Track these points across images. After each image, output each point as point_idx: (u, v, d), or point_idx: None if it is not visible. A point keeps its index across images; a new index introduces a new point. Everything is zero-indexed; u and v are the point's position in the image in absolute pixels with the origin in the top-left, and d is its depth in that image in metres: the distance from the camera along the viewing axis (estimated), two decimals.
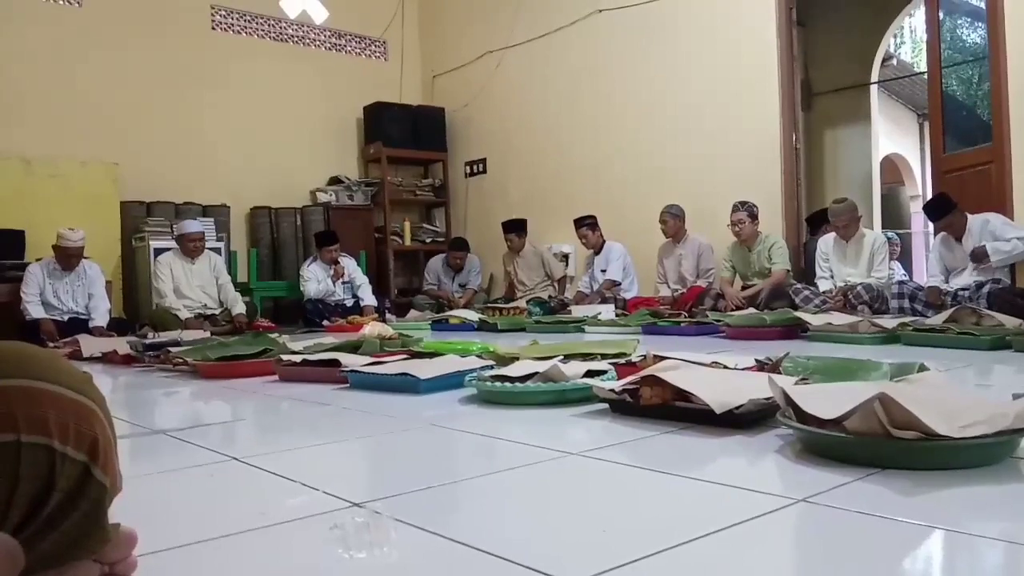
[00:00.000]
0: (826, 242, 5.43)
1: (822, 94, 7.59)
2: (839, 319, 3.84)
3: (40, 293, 5.63)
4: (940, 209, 4.82)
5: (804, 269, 5.89)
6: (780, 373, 1.88)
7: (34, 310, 5.53)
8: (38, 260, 5.76)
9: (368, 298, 6.90)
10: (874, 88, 7.70)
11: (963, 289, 4.59)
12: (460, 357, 2.62)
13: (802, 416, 1.31)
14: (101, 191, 6.56)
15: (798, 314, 4.04)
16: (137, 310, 6.48)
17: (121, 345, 3.87)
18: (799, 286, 5.36)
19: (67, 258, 5.62)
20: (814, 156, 7.48)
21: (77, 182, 6.43)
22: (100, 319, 5.70)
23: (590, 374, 2.04)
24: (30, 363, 0.56)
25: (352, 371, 2.48)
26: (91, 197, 6.45)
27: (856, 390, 1.33)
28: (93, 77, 6.73)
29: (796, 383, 1.60)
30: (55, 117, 6.50)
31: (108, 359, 3.76)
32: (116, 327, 5.67)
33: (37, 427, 0.55)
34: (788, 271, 5.57)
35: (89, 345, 4.16)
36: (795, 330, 3.78)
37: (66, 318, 5.63)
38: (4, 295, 5.68)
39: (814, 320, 3.81)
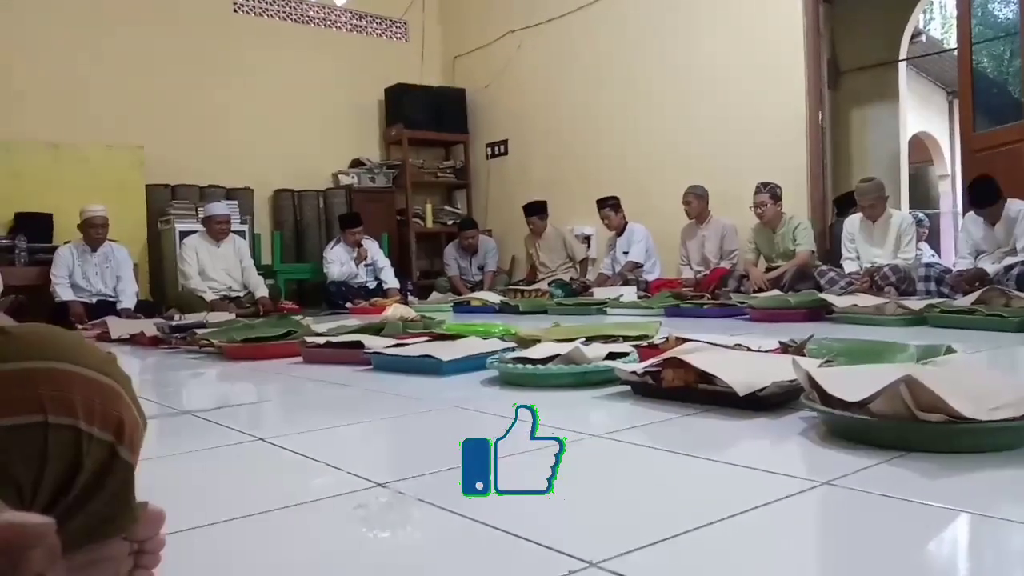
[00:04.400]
0: (852, 222, 5.36)
1: (849, 72, 7.45)
2: (865, 301, 3.80)
3: (69, 275, 5.72)
4: (989, 196, 4.58)
5: (830, 251, 5.82)
6: (804, 355, 1.86)
7: (63, 292, 5.62)
8: (66, 243, 5.85)
9: (390, 280, 6.93)
10: (903, 65, 7.54)
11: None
12: (482, 339, 2.63)
13: (826, 399, 1.30)
14: (126, 175, 6.62)
15: (823, 296, 4.00)
16: (163, 292, 6.56)
17: (148, 327, 3.92)
18: (824, 267, 5.30)
19: (93, 229, 5.68)
20: (840, 135, 7.36)
21: (103, 166, 6.50)
22: (128, 301, 5.79)
23: (612, 356, 2.03)
24: (55, 345, 0.57)
25: (375, 353, 2.50)
26: (117, 181, 6.51)
27: (882, 372, 1.32)
28: (117, 61, 6.78)
29: (820, 365, 1.58)
30: (81, 102, 6.56)
31: (136, 341, 3.82)
32: (143, 309, 5.75)
33: (63, 408, 0.55)
34: (813, 252, 5.51)
35: (117, 327, 4.22)
36: (820, 312, 3.75)
37: (94, 300, 5.72)
38: (33, 278, 5.78)
39: (839, 302, 3.77)
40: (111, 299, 5.78)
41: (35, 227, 6.06)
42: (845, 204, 5.89)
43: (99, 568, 0.59)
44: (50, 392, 0.55)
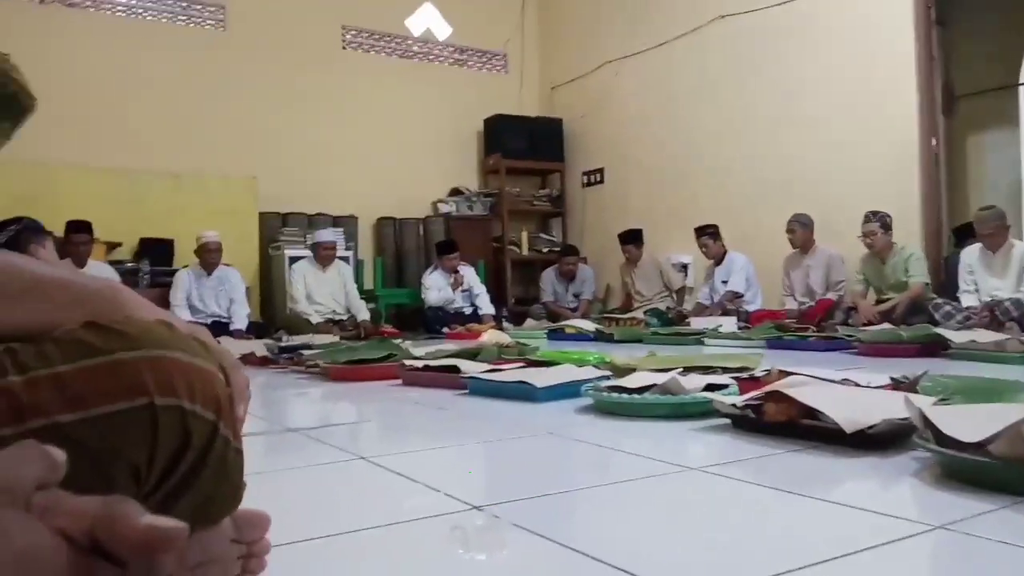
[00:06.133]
0: (971, 253, 5.07)
1: (965, 97, 7.10)
2: (984, 336, 3.58)
3: (187, 298, 6.08)
4: None
5: (945, 283, 5.51)
6: (917, 393, 1.77)
7: (182, 313, 5.96)
8: (185, 267, 6.23)
9: (486, 307, 7.02)
10: (1022, 90, 7.13)
11: None
12: (577, 367, 2.62)
13: (941, 439, 1.24)
14: (241, 203, 7.01)
15: (938, 330, 3.79)
16: (273, 314, 6.86)
17: (258, 348, 4.11)
18: (939, 300, 5.02)
19: (208, 254, 6.05)
20: (956, 163, 7.00)
21: (220, 195, 6.90)
22: (240, 323, 6.09)
23: (710, 388, 2.00)
24: (156, 336, 0.62)
25: (471, 377, 2.53)
26: (232, 208, 6.90)
27: (1002, 412, 1.24)
28: (235, 96, 7.21)
29: (935, 403, 1.50)
30: (200, 134, 7.00)
31: (246, 361, 4.00)
32: (254, 330, 6.04)
33: (167, 390, 0.60)
34: (927, 284, 5.23)
35: (230, 347, 4.43)
36: (935, 347, 3.55)
37: (209, 321, 6.04)
38: (154, 300, 6.07)
39: (956, 337, 3.57)
40: (225, 320, 6.10)
41: (158, 252, 6.49)
42: (964, 234, 5.58)
43: (209, 569, 0.63)
44: (154, 377, 0.60)
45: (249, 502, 0.68)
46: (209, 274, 6.14)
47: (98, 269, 5.57)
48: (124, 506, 0.37)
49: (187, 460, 0.62)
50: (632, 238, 6.98)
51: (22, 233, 3.57)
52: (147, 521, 0.37)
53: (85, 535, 0.36)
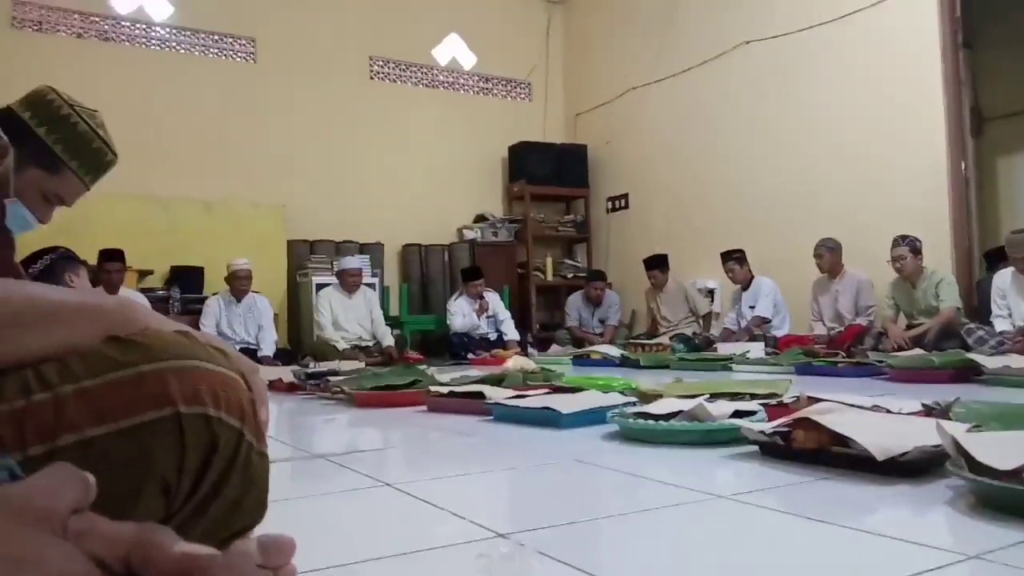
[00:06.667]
0: (1003, 277, 4.98)
1: (994, 119, 7.03)
2: (1018, 361, 3.51)
3: (216, 324, 6.15)
4: None
5: (977, 308, 5.42)
6: (950, 419, 1.74)
7: None
8: (215, 294, 6.31)
9: (511, 333, 7.03)
10: None
11: None
12: (602, 393, 2.61)
13: (975, 466, 1.21)
14: (270, 231, 7.11)
15: (971, 356, 3.73)
16: (300, 341, 6.92)
17: (286, 374, 4.14)
18: (972, 325, 4.94)
19: (238, 281, 6.14)
20: (986, 186, 6.91)
21: (249, 223, 7.01)
22: (268, 349, 6.15)
23: (738, 414, 1.98)
24: (179, 346, 0.63)
25: (496, 403, 2.53)
26: (261, 237, 7.00)
27: None
28: (264, 126, 7.35)
29: (968, 430, 1.48)
30: (231, 164, 7.13)
31: (274, 387, 4.03)
32: (282, 357, 6.10)
33: (192, 398, 0.61)
34: (959, 309, 5.15)
35: None
36: (968, 373, 3.48)
37: (238, 348, 6.09)
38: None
39: (989, 362, 3.50)
40: (253, 347, 6.16)
41: (188, 279, 6.60)
42: (995, 258, 5.50)
43: None
44: (179, 386, 0.61)
45: (275, 528, 0.68)
46: (239, 301, 6.22)
47: (131, 296, 5.67)
48: (159, 533, 0.38)
49: (215, 467, 0.63)
50: (657, 263, 6.96)
51: (57, 262, 3.66)
52: (182, 549, 0.38)
53: (120, 561, 0.37)
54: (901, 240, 5.24)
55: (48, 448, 0.57)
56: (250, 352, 6.04)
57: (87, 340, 0.62)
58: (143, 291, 6.10)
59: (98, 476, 0.40)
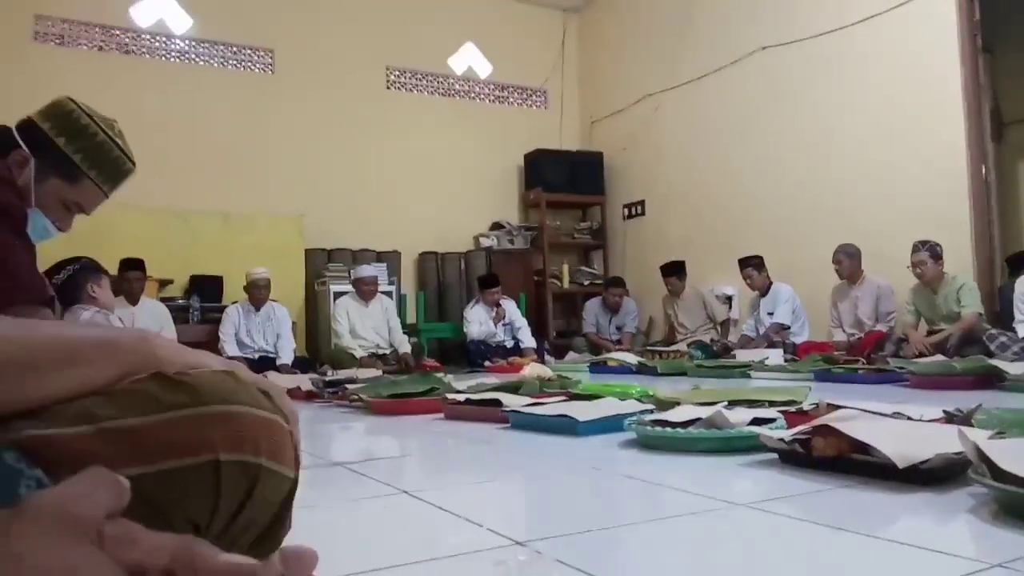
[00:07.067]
0: None
1: (1015, 123, 6.96)
2: None
3: (235, 333, 6.20)
4: None
5: (999, 313, 5.35)
6: (972, 426, 1.72)
7: (230, 348, 6.09)
8: (234, 303, 6.36)
9: (527, 340, 7.02)
10: None
11: None
12: (619, 400, 2.60)
13: (998, 474, 1.20)
14: (288, 240, 7.16)
15: (993, 362, 3.68)
16: (318, 349, 6.96)
17: (304, 382, 4.17)
18: (994, 331, 4.87)
19: (257, 290, 6.18)
20: (1007, 190, 6.84)
21: (267, 233, 7.06)
22: (286, 357, 6.19)
23: (757, 422, 1.96)
24: (220, 388, 0.63)
25: (513, 411, 2.53)
26: (279, 246, 7.05)
27: None
28: (282, 136, 7.41)
29: (991, 437, 1.46)
30: (249, 175, 7.20)
31: (292, 395, 4.03)
32: (300, 365, 6.13)
33: (233, 446, 0.61)
34: (980, 315, 5.09)
35: (276, 381, 4.50)
36: (990, 379, 3.44)
37: (256, 356, 6.15)
38: (204, 335, 6.30)
39: (1012, 368, 3.45)
40: (271, 355, 6.20)
41: (207, 289, 6.65)
42: (1018, 263, 5.44)
43: None
44: (222, 432, 0.61)
45: (293, 534, 0.69)
46: (257, 310, 6.26)
47: (151, 305, 5.73)
48: (200, 544, 0.38)
49: (251, 509, 0.63)
50: (674, 270, 6.94)
51: (79, 273, 3.70)
52: (225, 559, 0.38)
53: (160, 571, 0.37)
54: (921, 245, 5.19)
55: None
56: (268, 360, 6.08)
57: (105, 381, 0.61)
58: (163, 300, 6.16)
59: (127, 511, 0.39)
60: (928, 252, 5.16)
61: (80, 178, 1.54)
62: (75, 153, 1.53)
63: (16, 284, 1.34)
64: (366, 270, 6.71)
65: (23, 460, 0.55)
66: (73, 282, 3.67)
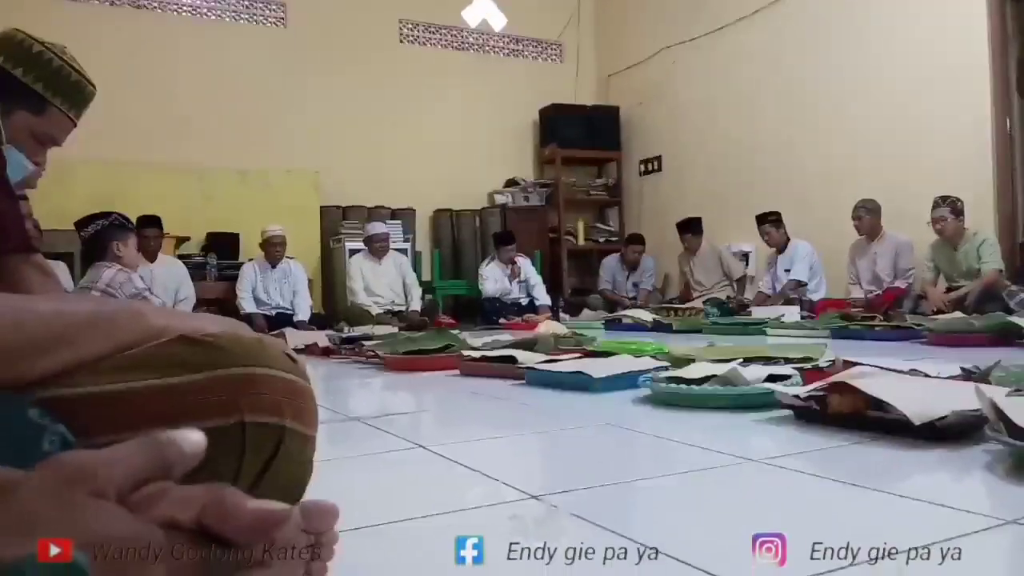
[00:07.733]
0: None
1: None
2: None
3: (252, 290, 6.25)
4: None
5: (1020, 270, 5.29)
6: (990, 383, 1.71)
7: (247, 305, 6.14)
8: (250, 260, 6.40)
9: (542, 297, 7.03)
10: None
11: None
12: (634, 357, 2.61)
13: (1015, 431, 1.19)
14: (304, 198, 7.16)
15: (1013, 319, 3.64)
16: (335, 306, 7.00)
17: (321, 338, 4.20)
18: (1014, 288, 4.82)
19: (272, 248, 6.22)
20: None
21: (283, 190, 7.06)
22: (303, 314, 6.24)
23: (772, 379, 1.96)
24: (246, 351, 0.64)
25: (528, 368, 2.54)
26: (295, 203, 7.06)
27: None
28: (296, 92, 7.36)
29: (1008, 395, 1.45)
30: (265, 131, 7.16)
31: (309, 351, 4.10)
32: (316, 322, 6.18)
33: (259, 408, 0.62)
34: (1001, 271, 5.03)
35: (293, 338, 4.55)
36: (1009, 336, 3.41)
37: (274, 313, 6.20)
38: (221, 292, 6.36)
39: None
40: (288, 312, 6.26)
41: (224, 246, 6.69)
42: None
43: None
44: (248, 394, 0.62)
45: (312, 488, 0.70)
46: (273, 267, 6.30)
47: (169, 262, 5.78)
48: (231, 492, 0.38)
49: (274, 470, 0.64)
50: (690, 227, 6.89)
51: (107, 230, 3.72)
52: (255, 504, 0.38)
53: (193, 522, 0.37)
54: (941, 201, 5.11)
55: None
56: (286, 317, 6.13)
57: (97, 353, 0.60)
58: (180, 257, 6.21)
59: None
60: (948, 208, 5.08)
61: (46, 107, 1.51)
62: (35, 82, 1.49)
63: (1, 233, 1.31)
64: (377, 227, 6.71)
65: (47, 416, 0.56)
66: (100, 239, 3.70)
